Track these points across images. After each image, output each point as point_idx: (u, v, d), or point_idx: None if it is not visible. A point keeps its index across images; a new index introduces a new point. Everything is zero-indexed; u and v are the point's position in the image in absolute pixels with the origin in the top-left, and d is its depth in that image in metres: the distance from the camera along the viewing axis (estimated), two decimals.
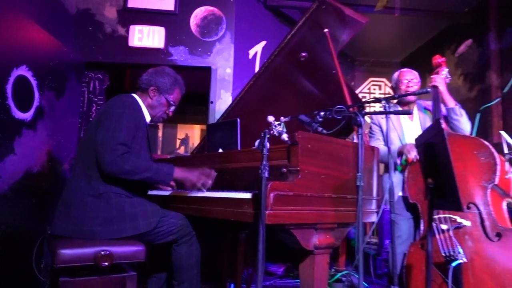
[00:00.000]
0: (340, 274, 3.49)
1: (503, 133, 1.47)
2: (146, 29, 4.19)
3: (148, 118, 2.17)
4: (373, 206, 2.10)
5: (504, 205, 2.17)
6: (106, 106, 2.04)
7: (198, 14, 4.29)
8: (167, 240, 2.02)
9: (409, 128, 2.67)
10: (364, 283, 3.28)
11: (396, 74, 2.81)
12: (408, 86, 2.68)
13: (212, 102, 4.24)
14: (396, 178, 2.57)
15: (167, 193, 2.28)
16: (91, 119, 4.10)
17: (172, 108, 2.23)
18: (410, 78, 2.70)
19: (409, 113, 1.98)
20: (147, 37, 4.18)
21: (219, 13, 4.32)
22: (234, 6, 4.36)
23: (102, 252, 1.73)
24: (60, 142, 3.55)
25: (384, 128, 2.67)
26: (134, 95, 2.16)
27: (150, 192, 2.29)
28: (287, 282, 3.45)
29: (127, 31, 4.21)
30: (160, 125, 7.83)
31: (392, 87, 2.85)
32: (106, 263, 1.72)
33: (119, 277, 1.78)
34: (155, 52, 4.22)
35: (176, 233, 2.02)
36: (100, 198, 1.89)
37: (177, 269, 2.05)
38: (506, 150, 1.44)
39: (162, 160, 2.95)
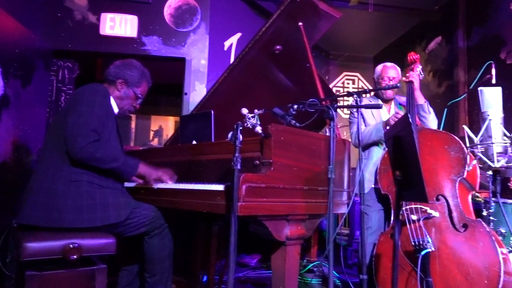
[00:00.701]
0: (311, 264, 3.56)
1: (465, 127, 1.54)
2: (118, 17, 4.08)
3: (116, 110, 2.15)
4: (344, 197, 2.14)
5: (470, 198, 2.27)
6: (76, 93, 2.01)
7: (172, 3, 4.22)
8: (139, 232, 2.00)
9: None
10: (334, 272, 3.37)
11: (379, 68, 2.82)
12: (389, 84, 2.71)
13: (186, 94, 4.19)
14: (368, 172, 2.63)
15: (133, 184, 2.25)
16: (60, 109, 3.97)
17: (139, 101, 2.23)
18: (392, 77, 2.72)
19: (379, 107, 2.03)
20: (119, 25, 4.08)
21: (194, 3, 4.26)
22: None
23: (71, 245, 1.69)
24: (27, 132, 3.43)
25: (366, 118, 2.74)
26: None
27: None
28: (260, 273, 3.49)
29: (98, 19, 4.09)
30: (133, 116, 7.68)
31: (373, 79, 2.87)
32: (75, 256, 1.69)
33: (88, 270, 1.75)
34: (128, 42, 4.12)
35: (148, 225, 2.00)
36: (70, 186, 1.85)
37: (149, 261, 2.04)
38: (468, 143, 1.50)
39: (134, 152, 2.90)
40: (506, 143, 1.38)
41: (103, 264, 1.81)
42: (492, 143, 1.39)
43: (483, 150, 1.43)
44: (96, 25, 4.09)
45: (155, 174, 2.08)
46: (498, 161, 1.37)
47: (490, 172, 1.89)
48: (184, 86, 4.22)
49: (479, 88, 1.44)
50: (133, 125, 7.82)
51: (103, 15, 4.08)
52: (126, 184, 2.27)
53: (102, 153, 1.85)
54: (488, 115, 1.42)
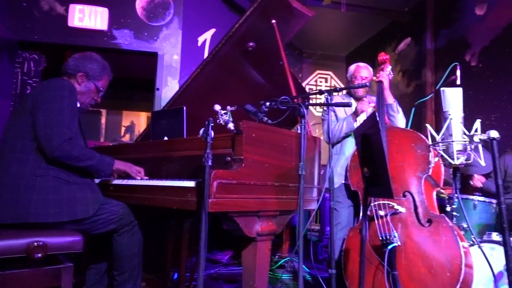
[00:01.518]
0: (283, 260, 3.61)
1: (428, 125, 1.60)
2: (87, 9, 3.96)
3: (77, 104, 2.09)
4: (314, 194, 2.18)
5: (434, 194, 2.36)
6: (41, 89, 1.93)
7: None
8: (107, 229, 1.96)
9: (357, 122, 2.79)
10: (305, 268, 3.42)
11: (352, 68, 2.88)
12: None
13: (158, 89, 4.13)
14: (340, 167, 2.69)
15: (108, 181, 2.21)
16: (20, 103, 3.82)
17: (101, 94, 2.19)
18: (365, 77, 2.78)
19: (348, 105, 2.07)
20: (88, 17, 3.96)
21: None
22: None
23: (35, 243, 1.64)
24: None
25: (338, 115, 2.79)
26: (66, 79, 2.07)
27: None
28: (232, 269, 3.50)
29: (67, 10, 3.96)
30: (104, 112, 7.50)
31: (346, 77, 2.93)
32: (40, 255, 1.64)
33: (54, 269, 1.70)
34: (98, 34, 4.01)
35: (116, 222, 1.96)
36: (36, 181, 1.80)
37: (118, 259, 2.00)
38: (430, 141, 1.56)
39: (104, 148, 2.84)
40: (465, 141, 1.44)
41: (69, 262, 1.76)
42: (453, 141, 1.45)
43: (444, 147, 1.49)
44: (64, 16, 3.95)
45: (135, 167, 2.11)
46: (458, 158, 1.43)
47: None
48: (156, 81, 4.15)
49: (441, 88, 1.50)
50: (103, 120, 7.63)
51: (71, 6, 3.95)
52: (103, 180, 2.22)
53: (78, 151, 1.83)
54: (449, 114, 1.48)
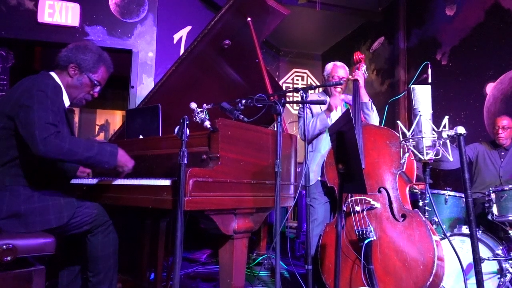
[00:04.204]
0: (261, 258, 3.62)
1: (399, 122, 1.64)
2: (58, 4, 3.85)
3: (67, 102, 1.96)
4: (291, 191, 2.20)
5: (407, 189, 2.42)
6: (21, 88, 1.77)
7: None
8: (81, 231, 1.91)
9: (333, 119, 2.83)
10: (282, 264, 3.45)
11: (329, 67, 2.89)
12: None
13: (133, 87, 4.06)
14: (316, 164, 2.72)
15: (83, 181, 2.15)
16: None
17: (98, 88, 2.03)
18: (341, 76, 2.81)
19: (323, 102, 2.10)
20: (59, 13, 3.84)
21: None
22: None
23: (4, 246, 1.58)
24: None
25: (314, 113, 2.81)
26: (53, 74, 1.92)
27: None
28: (210, 268, 3.49)
29: (36, 5, 3.83)
30: (77, 110, 7.31)
31: (323, 76, 2.95)
32: (9, 258, 1.58)
33: (24, 272, 1.65)
34: (69, 31, 3.90)
35: (90, 223, 1.91)
36: (5, 191, 1.72)
37: (92, 260, 1.95)
38: (401, 138, 1.61)
39: None
40: (434, 137, 1.49)
41: (41, 265, 1.71)
42: (422, 137, 1.49)
43: (414, 143, 1.54)
44: (34, 11, 3.83)
45: (131, 163, 1.90)
46: (427, 154, 1.48)
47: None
48: (130, 79, 4.08)
49: (411, 86, 1.54)
50: (76, 119, 7.44)
51: (41, 1, 3.83)
52: (76, 181, 2.15)
53: (69, 143, 1.64)
54: (419, 111, 1.53)
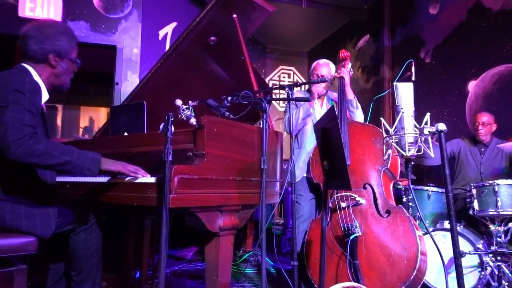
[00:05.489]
0: (247, 254, 3.63)
1: (382, 119, 1.66)
2: None
3: (46, 96, 1.85)
4: (277, 188, 2.21)
5: (391, 186, 2.46)
6: None
7: None
8: (64, 230, 1.88)
9: (319, 116, 2.84)
10: (268, 260, 3.47)
11: (313, 65, 2.91)
12: None
13: (117, 83, 4.01)
14: (302, 161, 2.73)
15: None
16: None
17: (78, 65, 1.94)
18: (321, 74, 2.80)
19: (308, 99, 2.11)
20: (40, 7, 3.76)
21: None
22: None
23: None
24: None
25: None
26: (29, 68, 1.81)
27: None
28: (196, 265, 3.48)
29: None
30: (60, 107, 7.18)
31: (309, 73, 2.97)
32: None
33: (5, 272, 1.62)
34: None
35: (73, 223, 1.89)
36: None
37: (76, 258, 1.93)
38: (384, 134, 1.63)
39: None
40: (416, 133, 1.52)
41: (22, 264, 1.68)
42: (404, 133, 1.52)
43: (397, 140, 1.56)
44: (14, 5, 3.74)
45: (130, 166, 1.77)
46: (409, 150, 1.50)
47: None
48: (115, 75, 4.03)
49: (394, 84, 1.57)
50: (59, 116, 7.31)
51: None
52: (60, 179, 2.09)
53: (45, 145, 1.55)
54: (401, 108, 1.55)
